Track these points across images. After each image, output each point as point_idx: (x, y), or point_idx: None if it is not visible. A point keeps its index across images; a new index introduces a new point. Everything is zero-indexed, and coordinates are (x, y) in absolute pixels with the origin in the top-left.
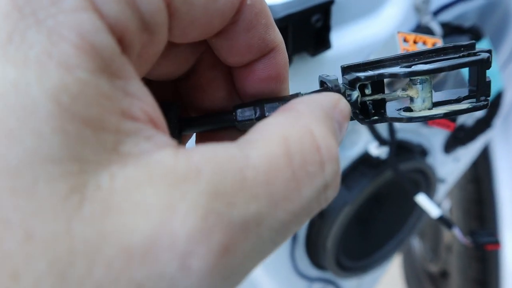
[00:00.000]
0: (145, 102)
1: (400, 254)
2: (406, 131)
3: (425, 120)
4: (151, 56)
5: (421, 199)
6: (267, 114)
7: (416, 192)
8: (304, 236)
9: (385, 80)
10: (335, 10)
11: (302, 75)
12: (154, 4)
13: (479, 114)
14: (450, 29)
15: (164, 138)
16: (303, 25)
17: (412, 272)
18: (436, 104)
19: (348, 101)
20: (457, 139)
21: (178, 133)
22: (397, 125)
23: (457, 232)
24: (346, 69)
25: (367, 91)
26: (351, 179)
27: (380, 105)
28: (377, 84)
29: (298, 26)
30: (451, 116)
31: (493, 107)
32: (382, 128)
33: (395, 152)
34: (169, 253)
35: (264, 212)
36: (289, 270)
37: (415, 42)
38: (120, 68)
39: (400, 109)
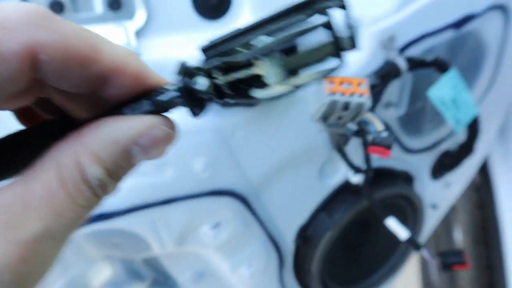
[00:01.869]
0: None
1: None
2: (390, 159)
3: (275, 96)
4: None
5: (391, 223)
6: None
7: (386, 216)
8: (291, 260)
9: None
10: None
11: (270, 111)
12: None
13: (461, 139)
14: (414, 64)
15: None
16: None
17: None
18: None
19: (196, 90)
20: (443, 165)
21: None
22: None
23: (425, 253)
24: (205, 50)
25: (217, 75)
26: (332, 206)
27: (238, 85)
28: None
29: None
30: (297, 88)
31: (472, 132)
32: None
33: (369, 179)
34: None
35: (51, 225)
36: None
37: (341, 83)
38: None
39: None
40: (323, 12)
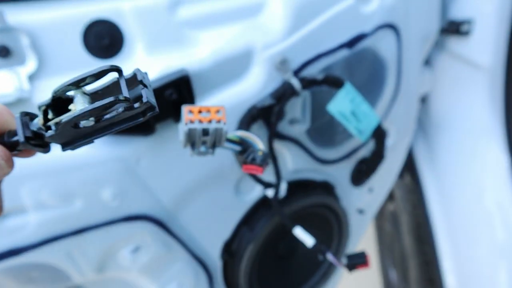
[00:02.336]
0: None
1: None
2: (308, 171)
3: (73, 119)
4: None
5: (297, 232)
6: None
7: (293, 226)
8: (221, 275)
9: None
10: (199, 81)
11: (170, 138)
12: None
13: (372, 147)
14: (307, 82)
15: None
16: (158, 100)
17: None
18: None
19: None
20: (361, 171)
21: None
22: (290, 166)
23: (330, 257)
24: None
25: (50, 116)
26: (252, 221)
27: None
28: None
29: None
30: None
31: (379, 139)
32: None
33: (277, 193)
34: None
35: None
36: None
37: (200, 112)
38: None
39: None
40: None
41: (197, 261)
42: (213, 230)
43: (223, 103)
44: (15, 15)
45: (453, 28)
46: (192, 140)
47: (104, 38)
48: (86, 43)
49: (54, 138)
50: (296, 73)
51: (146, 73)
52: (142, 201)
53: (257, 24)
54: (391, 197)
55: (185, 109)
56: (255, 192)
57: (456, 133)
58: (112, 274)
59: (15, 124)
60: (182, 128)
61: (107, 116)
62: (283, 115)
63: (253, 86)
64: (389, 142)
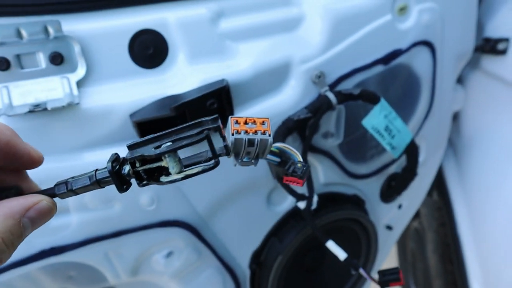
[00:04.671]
0: None
1: None
2: (338, 185)
3: (175, 182)
4: None
5: (330, 245)
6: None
7: (326, 240)
8: (249, 285)
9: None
10: (238, 92)
11: None
12: None
13: (403, 163)
14: (343, 97)
15: None
16: (199, 109)
17: None
18: (187, 166)
19: (122, 173)
20: (391, 188)
21: None
22: (322, 180)
23: (363, 272)
24: (130, 147)
25: (137, 165)
26: (282, 232)
27: (153, 172)
28: (143, 159)
29: (195, 110)
30: (188, 178)
31: (411, 156)
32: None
33: (310, 206)
34: None
35: None
36: None
37: (246, 122)
38: None
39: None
40: (204, 130)
41: (226, 269)
42: (243, 239)
43: (260, 114)
44: (68, 25)
45: (489, 46)
46: (237, 150)
47: (149, 47)
48: (132, 52)
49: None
50: (332, 87)
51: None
52: (177, 207)
53: (296, 38)
54: (416, 214)
55: (231, 119)
56: (286, 203)
57: (487, 152)
58: (144, 278)
59: (18, 143)
60: (229, 138)
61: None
62: (318, 128)
63: (289, 98)
64: (420, 158)
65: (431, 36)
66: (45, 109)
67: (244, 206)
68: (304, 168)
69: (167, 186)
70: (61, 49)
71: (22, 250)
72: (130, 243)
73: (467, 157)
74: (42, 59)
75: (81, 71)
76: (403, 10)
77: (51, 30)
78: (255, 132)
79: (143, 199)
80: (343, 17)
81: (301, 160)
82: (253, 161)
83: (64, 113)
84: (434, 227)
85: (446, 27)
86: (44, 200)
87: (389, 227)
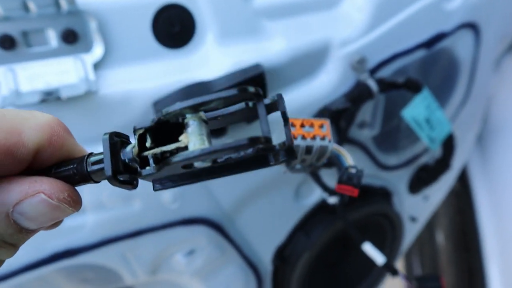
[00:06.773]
0: None
1: None
2: (367, 176)
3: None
4: None
5: (367, 248)
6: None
7: (362, 241)
8: (270, 281)
9: None
10: (272, 77)
11: None
12: None
13: (438, 154)
14: (385, 85)
15: None
16: None
17: None
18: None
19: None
20: (421, 179)
21: None
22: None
23: (401, 277)
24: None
25: (148, 144)
26: (310, 226)
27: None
28: (159, 137)
29: None
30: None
31: (448, 149)
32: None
33: (343, 204)
34: None
35: None
36: None
37: (302, 125)
38: None
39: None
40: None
41: (249, 266)
42: (267, 234)
43: (293, 102)
44: None
45: None
46: None
47: (175, 24)
48: (155, 30)
49: (151, 178)
50: (372, 73)
51: (283, 100)
52: (202, 204)
53: (336, 17)
54: None
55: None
56: (313, 196)
57: None
58: (163, 277)
59: (73, 145)
60: None
61: (231, 156)
62: (355, 119)
63: (325, 85)
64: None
65: (478, 18)
66: (59, 98)
67: (272, 200)
68: (360, 175)
69: None
70: (74, 26)
71: (34, 252)
72: (150, 242)
73: (493, 144)
74: (52, 37)
75: (98, 51)
76: None
77: (63, 3)
78: (313, 137)
79: (165, 196)
80: None
81: (352, 163)
82: (307, 168)
83: (79, 101)
84: (450, 214)
85: (494, 8)
86: (40, 193)
87: (413, 219)
